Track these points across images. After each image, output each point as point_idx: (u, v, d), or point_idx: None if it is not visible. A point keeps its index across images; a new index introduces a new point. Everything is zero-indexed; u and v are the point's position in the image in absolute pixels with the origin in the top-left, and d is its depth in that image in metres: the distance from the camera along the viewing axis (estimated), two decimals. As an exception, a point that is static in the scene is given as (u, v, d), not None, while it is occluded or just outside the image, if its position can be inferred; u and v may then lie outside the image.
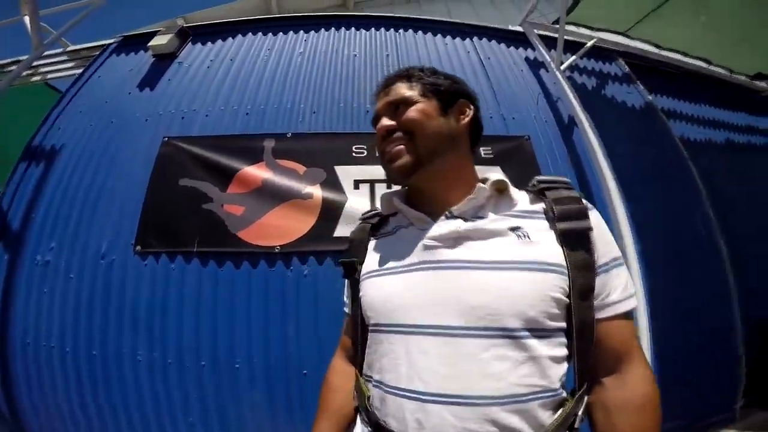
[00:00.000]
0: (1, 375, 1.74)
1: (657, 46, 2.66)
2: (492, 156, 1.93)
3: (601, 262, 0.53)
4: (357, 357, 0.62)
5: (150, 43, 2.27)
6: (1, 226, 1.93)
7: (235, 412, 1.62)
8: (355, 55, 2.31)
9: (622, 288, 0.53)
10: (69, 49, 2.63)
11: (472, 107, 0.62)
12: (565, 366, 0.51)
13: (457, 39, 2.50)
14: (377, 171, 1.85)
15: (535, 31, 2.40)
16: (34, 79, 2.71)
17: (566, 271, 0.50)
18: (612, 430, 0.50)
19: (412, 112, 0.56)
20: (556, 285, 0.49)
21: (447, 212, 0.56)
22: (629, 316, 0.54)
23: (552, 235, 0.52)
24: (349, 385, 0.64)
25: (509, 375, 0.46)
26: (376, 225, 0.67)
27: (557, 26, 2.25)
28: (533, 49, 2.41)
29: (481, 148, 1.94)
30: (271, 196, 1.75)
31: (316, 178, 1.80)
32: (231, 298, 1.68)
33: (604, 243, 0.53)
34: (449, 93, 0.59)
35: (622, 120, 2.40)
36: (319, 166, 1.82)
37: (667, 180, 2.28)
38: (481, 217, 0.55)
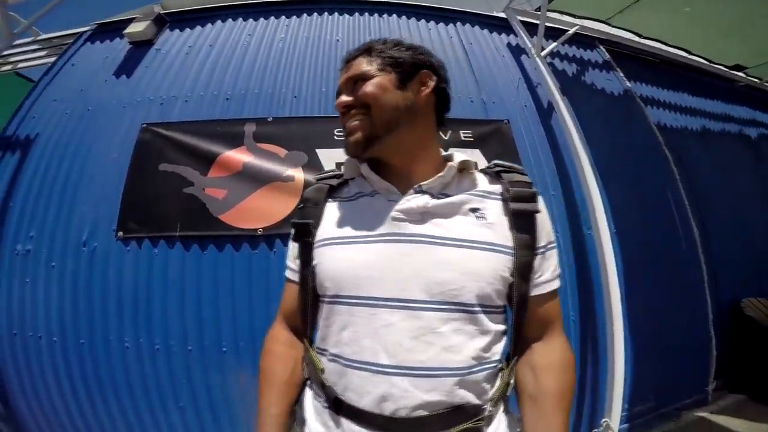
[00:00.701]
0: None
1: (638, 34, 2.71)
2: (472, 139, 1.96)
3: (541, 244, 0.57)
4: (305, 327, 0.60)
5: (126, 30, 2.21)
6: (-23, 218, 1.89)
7: (224, 396, 1.65)
8: (338, 40, 2.30)
9: (553, 269, 0.59)
10: (41, 37, 2.55)
11: (434, 78, 0.59)
12: (504, 339, 0.56)
13: (441, 24, 2.50)
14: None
15: (518, 17, 2.42)
16: (5, 68, 2.63)
17: (514, 252, 0.54)
18: (540, 386, 0.56)
19: (367, 87, 0.55)
20: (506, 265, 0.53)
21: (416, 187, 0.56)
22: (555, 294, 0.60)
23: (505, 218, 0.56)
24: (295, 355, 0.62)
25: (465, 348, 0.50)
26: (334, 187, 0.64)
27: (539, 12, 2.27)
28: (516, 35, 2.43)
29: (461, 131, 1.97)
30: (252, 179, 1.76)
31: (298, 161, 1.81)
32: (215, 281, 1.69)
33: (545, 227, 0.58)
34: (410, 64, 0.58)
35: (600, 106, 2.45)
36: (300, 149, 1.83)
37: (642, 165, 2.35)
38: (446, 194, 0.57)
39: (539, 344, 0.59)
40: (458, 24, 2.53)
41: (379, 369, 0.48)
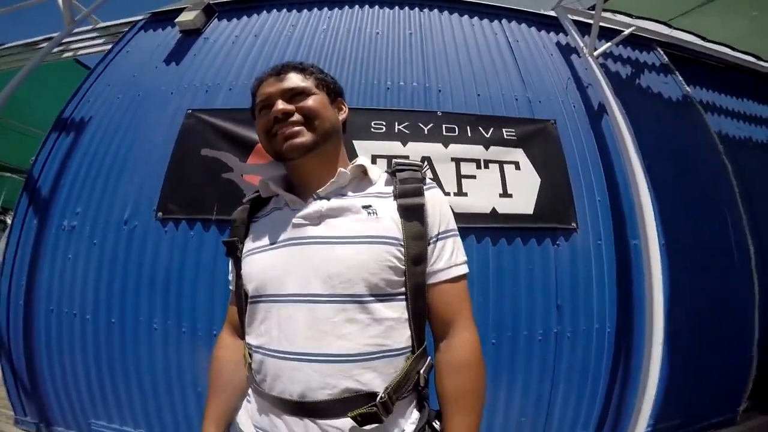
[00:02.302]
0: (25, 342, 1.80)
1: (702, 37, 2.51)
2: (515, 138, 1.87)
3: (433, 234, 0.60)
4: (243, 328, 0.66)
5: (177, 19, 2.30)
6: (31, 193, 2.00)
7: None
8: (378, 33, 2.27)
9: (448, 257, 0.60)
10: (99, 26, 2.69)
11: (345, 106, 0.71)
12: (407, 327, 0.57)
13: (485, 20, 2.42)
14: (395, 147, 1.82)
15: (569, 16, 2.30)
16: (66, 55, 2.80)
17: (402, 242, 0.57)
18: (440, 388, 0.58)
19: (312, 101, 0.62)
20: (392, 254, 0.56)
21: (314, 195, 0.62)
22: (455, 282, 0.60)
23: (395, 213, 0.60)
24: (237, 357, 0.67)
25: (358, 336, 0.53)
26: (256, 207, 0.71)
27: (592, 12, 2.15)
28: (565, 34, 2.31)
29: (503, 129, 1.88)
30: (289, 167, 1.74)
31: (335, 152, 1.79)
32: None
33: (437, 217, 0.61)
34: (333, 90, 0.68)
35: (655, 110, 2.28)
36: (338, 139, 1.81)
37: (698, 174, 2.17)
38: (342, 195, 0.63)
39: (442, 343, 0.60)
40: (503, 21, 2.44)
41: (283, 355, 0.54)
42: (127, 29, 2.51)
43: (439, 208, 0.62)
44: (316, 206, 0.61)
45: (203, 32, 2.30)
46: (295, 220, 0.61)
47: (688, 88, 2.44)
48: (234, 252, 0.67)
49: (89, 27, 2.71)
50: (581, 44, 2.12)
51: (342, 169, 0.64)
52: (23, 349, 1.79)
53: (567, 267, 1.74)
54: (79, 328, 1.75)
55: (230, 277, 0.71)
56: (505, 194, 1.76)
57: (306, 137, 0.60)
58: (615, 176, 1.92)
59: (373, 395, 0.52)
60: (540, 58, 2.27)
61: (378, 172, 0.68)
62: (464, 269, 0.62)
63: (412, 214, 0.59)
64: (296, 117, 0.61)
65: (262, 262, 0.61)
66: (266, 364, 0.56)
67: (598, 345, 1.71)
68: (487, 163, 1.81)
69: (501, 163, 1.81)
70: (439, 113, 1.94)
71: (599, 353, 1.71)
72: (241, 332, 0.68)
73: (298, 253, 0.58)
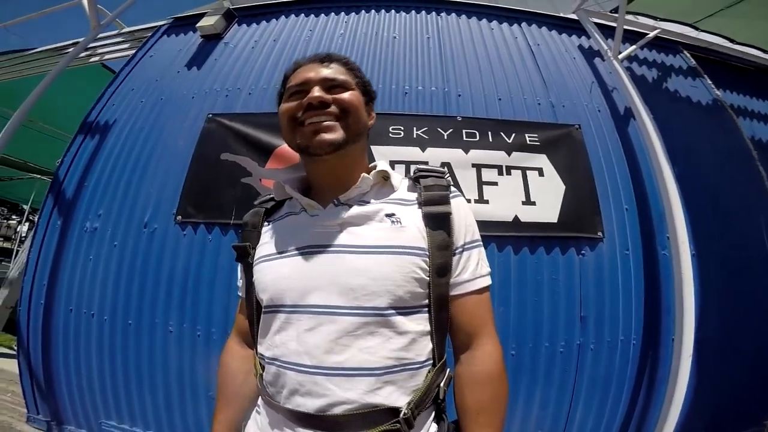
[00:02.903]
0: (43, 341, 1.83)
1: (729, 39, 2.41)
2: (538, 143, 1.82)
3: (459, 244, 0.58)
4: (254, 339, 0.63)
5: (198, 24, 2.34)
6: (56, 194, 2.05)
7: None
8: (395, 38, 2.26)
9: (474, 268, 0.59)
10: (124, 30, 2.77)
11: (374, 113, 0.68)
12: (429, 340, 0.55)
13: (504, 24, 2.38)
14: (413, 152, 1.80)
15: (591, 19, 2.24)
16: (93, 59, 2.89)
17: (428, 252, 0.55)
18: (461, 401, 0.56)
19: (351, 96, 0.59)
20: (418, 265, 0.54)
21: (335, 200, 0.59)
22: (480, 293, 0.59)
23: (420, 221, 0.57)
24: (246, 367, 0.65)
25: (381, 349, 0.51)
26: (269, 210, 0.68)
27: (615, 15, 2.09)
28: (588, 37, 2.25)
29: (526, 135, 1.83)
30: (307, 172, 1.74)
31: (353, 157, 1.77)
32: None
33: (462, 227, 0.59)
34: (368, 93, 0.65)
35: (683, 114, 2.19)
36: (356, 145, 1.79)
37: (731, 182, 2.07)
38: (366, 202, 0.59)
39: (464, 354, 0.58)
40: (523, 24, 2.40)
41: (304, 369, 0.51)
42: (150, 34, 2.57)
43: (464, 217, 0.60)
44: (336, 213, 0.58)
45: (223, 37, 2.34)
46: (314, 227, 0.58)
47: (717, 92, 2.35)
48: (245, 257, 0.63)
49: (114, 32, 2.79)
50: (605, 47, 2.06)
51: (365, 175, 0.60)
52: (41, 348, 1.82)
53: (592, 277, 1.67)
54: (96, 329, 1.78)
55: (239, 283, 0.68)
56: (528, 201, 1.71)
57: (338, 134, 0.57)
58: (643, 183, 1.85)
59: (393, 410, 0.50)
60: (562, 61, 2.21)
61: (399, 178, 0.65)
62: (489, 280, 0.60)
63: (438, 223, 0.57)
64: (332, 108, 0.57)
65: (278, 271, 0.57)
66: (283, 377, 0.53)
67: (622, 357, 1.64)
68: (509, 169, 1.76)
69: (524, 170, 1.76)
70: (459, 118, 1.90)
71: (623, 365, 1.64)
72: (250, 341, 0.66)
73: (318, 262, 0.55)
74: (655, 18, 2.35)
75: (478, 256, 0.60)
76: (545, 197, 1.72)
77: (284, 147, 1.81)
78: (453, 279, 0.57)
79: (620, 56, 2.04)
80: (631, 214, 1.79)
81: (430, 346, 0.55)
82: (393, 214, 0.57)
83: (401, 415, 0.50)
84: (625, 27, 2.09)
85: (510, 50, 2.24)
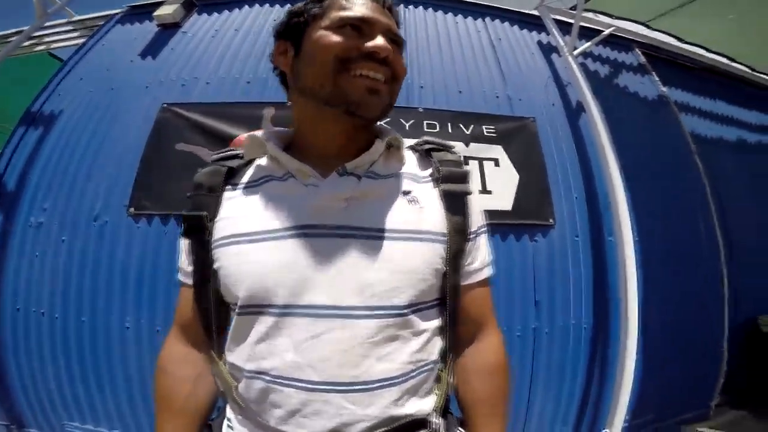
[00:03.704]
0: None
1: (678, 38, 2.57)
2: (495, 135, 1.88)
3: (473, 229, 0.52)
4: (210, 338, 0.51)
5: (155, 13, 2.24)
6: (-2, 189, 1.92)
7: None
8: (360, 29, 2.26)
9: (484, 256, 0.54)
10: (74, 18, 2.61)
11: None
12: (440, 336, 0.50)
13: (469, 18, 2.43)
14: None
15: (551, 15, 2.33)
16: (39, 48, 2.71)
17: (447, 238, 0.48)
18: (469, 391, 0.52)
19: (403, 62, 0.50)
20: (440, 255, 0.47)
21: (339, 168, 0.47)
22: (486, 283, 0.55)
23: (438, 202, 0.50)
24: (194, 373, 0.52)
25: (399, 354, 0.44)
26: (233, 171, 0.51)
27: (574, 12, 2.18)
28: (547, 33, 2.34)
29: (483, 126, 1.89)
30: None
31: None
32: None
33: (477, 209, 0.53)
34: None
35: (631, 109, 2.33)
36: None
37: (671, 173, 2.22)
38: (373, 174, 0.49)
39: (472, 346, 0.54)
40: (487, 19, 2.46)
41: (309, 387, 0.41)
42: (103, 23, 2.44)
43: (477, 199, 0.54)
44: (345, 184, 0.46)
45: (182, 26, 2.25)
46: (313, 201, 0.45)
47: (664, 89, 2.50)
48: (198, 232, 0.47)
49: (64, 20, 2.62)
50: (562, 43, 2.15)
51: (378, 140, 0.50)
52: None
53: (545, 263, 1.76)
54: (47, 328, 1.69)
55: (184, 265, 0.52)
56: (484, 191, 1.77)
57: (386, 100, 0.47)
58: (592, 173, 1.95)
59: (419, 421, 0.45)
60: (521, 56, 2.29)
61: (405, 150, 0.55)
62: (492, 269, 0.56)
63: (457, 204, 0.50)
64: (387, 69, 0.46)
65: (261, 258, 0.43)
66: (276, 395, 0.42)
67: (575, 341, 1.73)
68: (467, 159, 1.81)
69: (481, 160, 1.82)
70: (420, 109, 1.93)
71: (576, 349, 1.73)
72: (198, 339, 0.52)
73: (320, 248, 0.43)
74: (611, 16, 2.46)
75: (487, 243, 0.55)
76: (501, 186, 1.79)
77: (241, 137, 1.77)
78: (465, 267, 0.51)
79: (575, 52, 2.12)
80: (580, 202, 1.89)
81: (441, 343, 0.49)
82: (409, 192, 0.48)
83: (432, 425, 0.45)
84: (583, 24, 2.18)
85: (473, 44, 2.29)
